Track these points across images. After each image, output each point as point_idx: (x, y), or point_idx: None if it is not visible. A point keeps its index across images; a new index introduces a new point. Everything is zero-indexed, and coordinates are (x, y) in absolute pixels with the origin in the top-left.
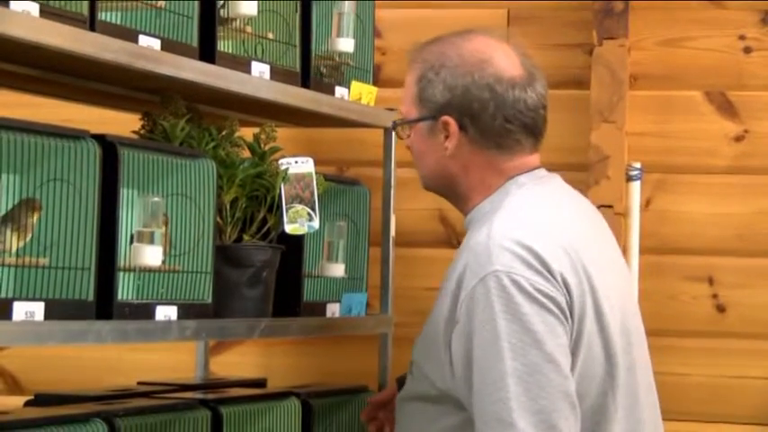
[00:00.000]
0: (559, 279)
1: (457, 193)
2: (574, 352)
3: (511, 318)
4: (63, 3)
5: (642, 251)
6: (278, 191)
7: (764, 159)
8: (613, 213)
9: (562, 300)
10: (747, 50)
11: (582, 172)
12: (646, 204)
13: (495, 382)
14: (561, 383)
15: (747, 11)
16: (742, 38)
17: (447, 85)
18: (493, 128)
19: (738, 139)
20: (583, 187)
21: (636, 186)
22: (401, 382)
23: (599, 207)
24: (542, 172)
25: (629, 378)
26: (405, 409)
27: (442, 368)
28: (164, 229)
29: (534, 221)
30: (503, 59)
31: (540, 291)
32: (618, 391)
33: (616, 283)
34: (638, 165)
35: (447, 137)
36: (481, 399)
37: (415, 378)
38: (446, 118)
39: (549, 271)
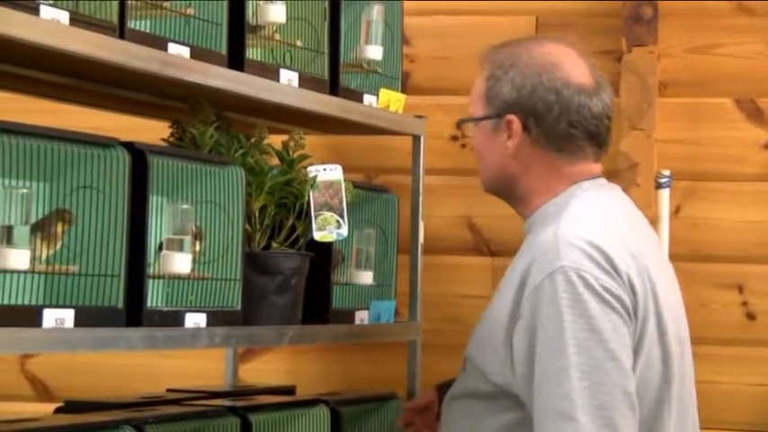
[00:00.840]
0: (626, 279)
1: (516, 195)
2: (635, 354)
3: (577, 314)
4: (93, 11)
5: (672, 259)
6: (307, 198)
7: None
8: None
9: (628, 300)
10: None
11: (611, 179)
12: (675, 212)
13: (557, 376)
14: (623, 382)
15: None
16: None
17: (515, 85)
18: (556, 131)
19: None
20: None
21: (665, 194)
22: (443, 388)
23: None
24: (603, 180)
25: (682, 389)
26: (454, 407)
27: (502, 364)
28: (196, 241)
29: (602, 223)
30: (572, 66)
31: (606, 289)
32: (672, 401)
33: (672, 292)
34: (667, 172)
35: (509, 136)
36: (543, 392)
37: (469, 374)
38: (510, 116)
39: (617, 271)
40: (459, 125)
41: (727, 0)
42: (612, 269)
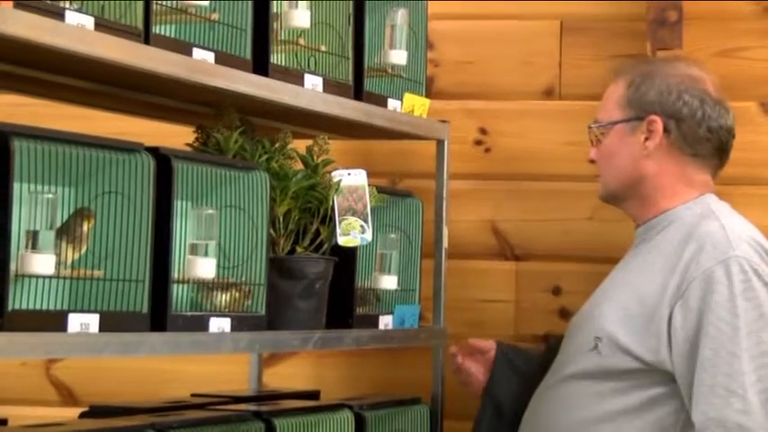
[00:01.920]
0: None
1: (641, 195)
2: None
3: (749, 301)
4: (118, 16)
5: None
6: (331, 203)
7: None
8: None
9: None
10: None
11: None
12: None
13: (729, 356)
14: None
15: None
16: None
17: (659, 89)
18: (696, 134)
19: None
20: None
21: None
22: (502, 344)
23: None
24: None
25: None
26: (566, 389)
27: (657, 341)
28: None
29: (751, 226)
30: (710, 82)
31: None
32: None
33: None
34: None
35: (648, 138)
36: (711, 370)
37: (604, 354)
38: (654, 117)
39: None
40: (590, 131)
41: (753, 3)
42: None
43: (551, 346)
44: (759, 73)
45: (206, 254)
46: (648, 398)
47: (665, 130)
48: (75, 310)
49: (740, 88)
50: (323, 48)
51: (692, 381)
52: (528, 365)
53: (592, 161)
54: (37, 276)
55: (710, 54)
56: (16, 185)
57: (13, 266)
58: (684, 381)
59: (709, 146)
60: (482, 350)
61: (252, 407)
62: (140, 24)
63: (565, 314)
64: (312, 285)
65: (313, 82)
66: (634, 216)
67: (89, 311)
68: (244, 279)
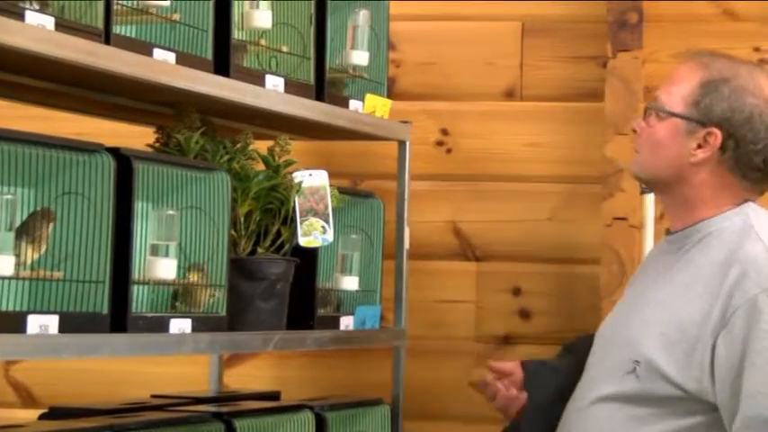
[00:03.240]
0: None
1: (679, 197)
2: None
3: None
4: (78, 16)
5: None
6: (292, 204)
7: None
8: (628, 226)
9: None
10: (762, 63)
11: (596, 184)
12: (660, 217)
13: None
14: None
15: (762, 23)
16: (756, 50)
17: (731, 105)
18: (750, 161)
19: None
20: (597, 200)
21: (650, 199)
22: (527, 364)
23: (613, 220)
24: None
25: None
26: (600, 411)
27: (699, 369)
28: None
29: None
30: None
31: None
32: None
33: None
34: None
35: (701, 146)
36: (752, 401)
37: (642, 378)
38: (715, 130)
39: None
40: (647, 109)
41: (713, 5)
42: None
43: (574, 347)
44: None
45: (167, 255)
46: (687, 426)
47: (722, 147)
48: (34, 312)
49: None
50: (284, 48)
51: (736, 411)
52: (557, 366)
53: (633, 131)
54: None
55: (670, 55)
56: None
57: None
58: (728, 411)
59: (759, 174)
60: (508, 372)
61: (212, 408)
62: (101, 24)
63: (524, 314)
64: (273, 286)
65: (274, 82)
66: (668, 214)
67: (49, 313)
68: (205, 280)
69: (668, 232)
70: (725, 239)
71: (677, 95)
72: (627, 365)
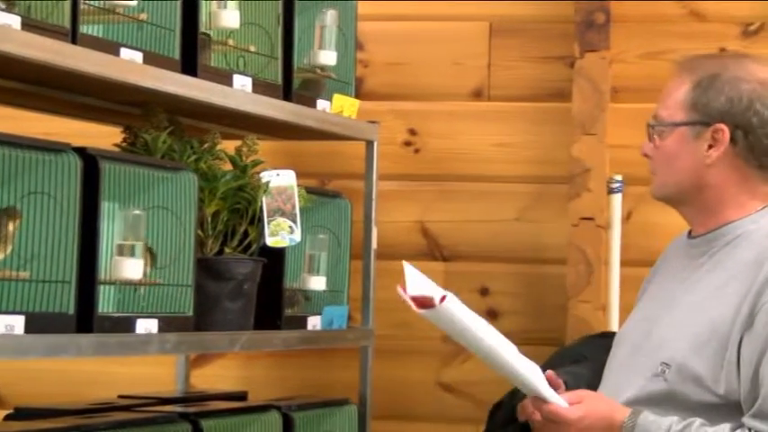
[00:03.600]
0: None
1: (702, 204)
2: None
3: None
4: (45, 16)
5: (623, 264)
6: (259, 204)
7: None
8: (595, 226)
9: None
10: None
11: (563, 184)
12: (627, 217)
13: None
14: None
15: (728, 23)
16: (723, 50)
17: (728, 96)
18: (764, 146)
19: None
20: (564, 200)
21: (617, 199)
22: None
23: (580, 220)
24: None
25: None
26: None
27: (727, 369)
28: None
29: None
30: None
31: None
32: None
33: None
34: (619, 177)
35: (712, 146)
36: None
37: (670, 382)
38: (721, 126)
39: None
40: (650, 128)
41: (680, 5)
42: None
43: (581, 353)
44: None
45: (133, 255)
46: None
47: (732, 140)
48: (0, 312)
49: None
50: (252, 48)
51: (755, 402)
52: (575, 372)
53: (645, 155)
54: None
55: (637, 55)
56: None
57: None
58: (748, 405)
59: None
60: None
61: (178, 408)
62: (68, 24)
63: (492, 314)
64: (240, 286)
65: (242, 82)
66: (690, 222)
67: (14, 313)
68: (171, 280)
69: (690, 236)
70: (754, 241)
71: (674, 106)
72: (654, 368)
